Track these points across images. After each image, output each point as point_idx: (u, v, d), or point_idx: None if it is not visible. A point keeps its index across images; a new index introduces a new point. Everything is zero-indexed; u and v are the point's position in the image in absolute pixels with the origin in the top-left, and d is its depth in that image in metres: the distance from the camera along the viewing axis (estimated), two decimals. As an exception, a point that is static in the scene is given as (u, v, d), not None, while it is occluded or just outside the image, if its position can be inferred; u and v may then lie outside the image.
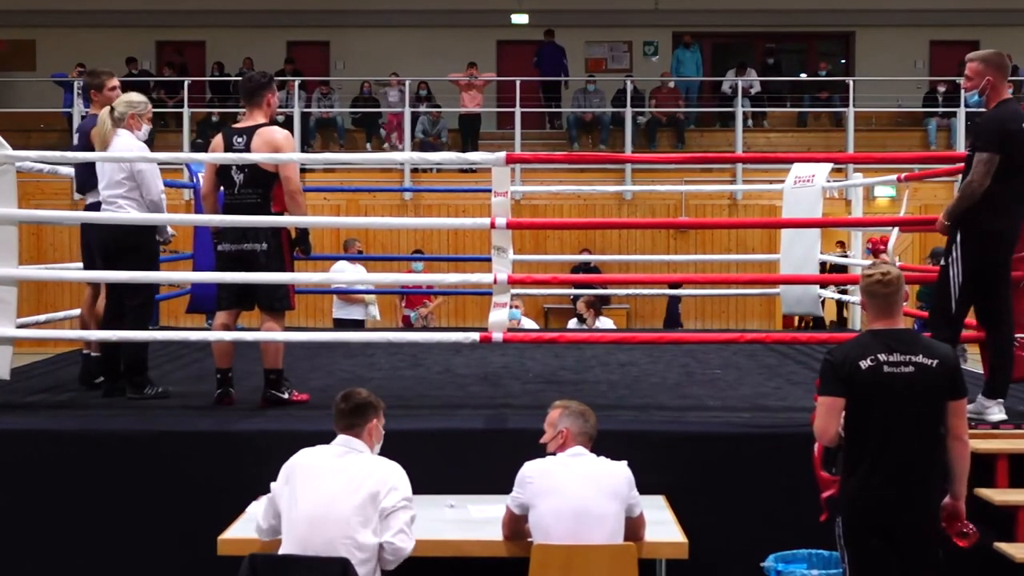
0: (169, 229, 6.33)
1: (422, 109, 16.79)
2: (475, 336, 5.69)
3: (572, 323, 10.87)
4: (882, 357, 3.79)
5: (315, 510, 3.88)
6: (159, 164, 5.94)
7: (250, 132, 5.60)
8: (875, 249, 7.71)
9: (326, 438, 4.12)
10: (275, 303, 5.66)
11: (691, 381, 6.66)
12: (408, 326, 11.83)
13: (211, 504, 4.80)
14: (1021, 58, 17.61)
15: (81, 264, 6.33)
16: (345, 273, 10.02)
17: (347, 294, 10.48)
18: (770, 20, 19.28)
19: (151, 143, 6.00)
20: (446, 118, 16.93)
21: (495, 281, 5.67)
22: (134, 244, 5.78)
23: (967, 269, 5.08)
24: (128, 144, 5.79)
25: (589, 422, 4.34)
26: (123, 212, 5.77)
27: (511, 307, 6.62)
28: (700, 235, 15.00)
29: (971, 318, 5.46)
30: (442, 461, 4.99)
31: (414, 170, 15.30)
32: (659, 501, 4.70)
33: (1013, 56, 17.31)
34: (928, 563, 3.82)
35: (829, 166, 8.51)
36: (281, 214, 5.68)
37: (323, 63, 19.17)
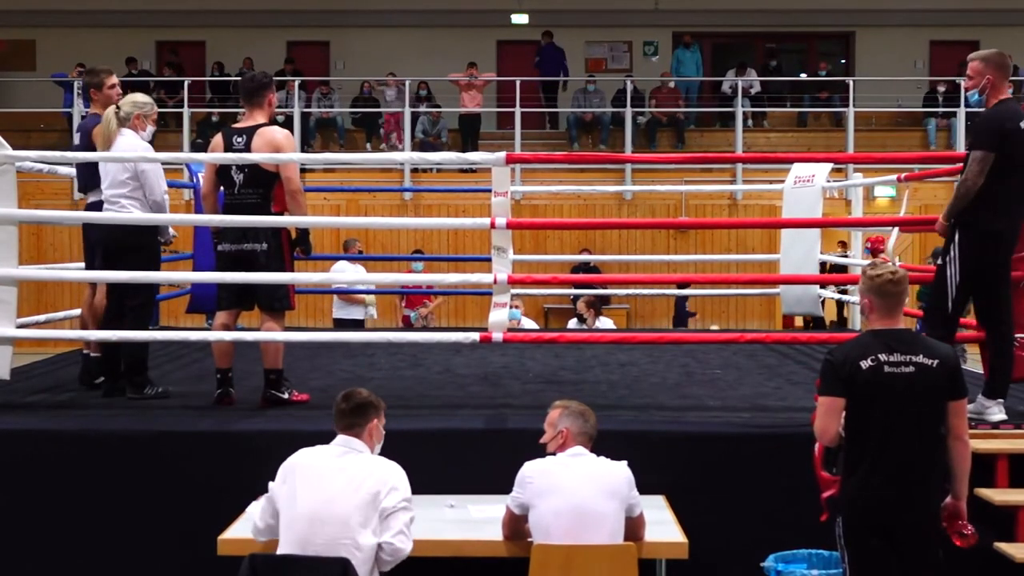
0: (171, 230, 6.33)
1: (422, 109, 16.79)
2: (475, 336, 5.69)
3: (572, 323, 10.88)
4: (883, 357, 3.79)
5: (315, 510, 3.87)
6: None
7: (250, 132, 5.60)
8: (874, 249, 7.71)
9: (326, 438, 4.12)
10: (275, 303, 5.66)
11: (691, 381, 6.66)
12: (408, 326, 11.82)
13: (211, 504, 4.80)
14: (1021, 58, 17.60)
15: (82, 264, 6.33)
16: (345, 273, 10.02)
17: (347, 294, 10.48)
18: (770, 20, 19.29)
19: (152, 143, 6.01)
20: (446, 118, 16.93)
21: (495, 281, 5.68)
22: (136, 244, 5.79)
23: (964, 268, 5.08)
24: (132, 144, 5.80)
25: (589, 422, 4.34)
26: (125, 212, 5.77)
27: (511, 307, 6.63)
28: (700, 235, 15.00)
29: (971, 318, 5.46)
30: (442, 461, 4.99)
31: (414, 170, 15.30)
32: (659, 501, 4.70)
33: (1013, 56, 17.41)
34: (928, 563, 3.82)
35: (829, 166, 8.51)
36: (281, 214, 5.68)
37: (323, 63, 19.17)
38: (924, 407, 3.80)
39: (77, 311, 6.63)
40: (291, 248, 5.76)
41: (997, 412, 5.23)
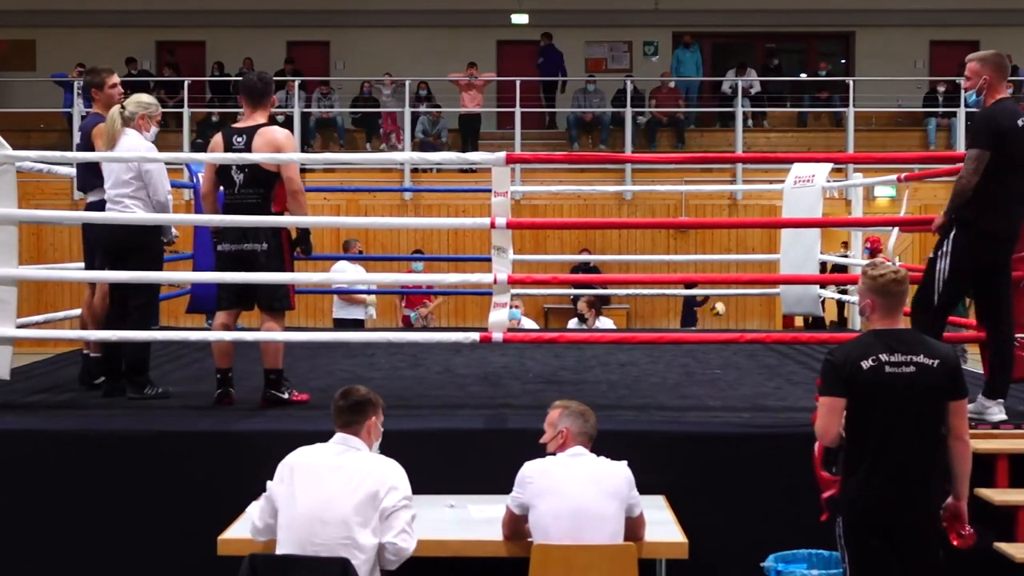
0: (173, 229, 6.34)
1: (422, 109, 16.79)
2: (475, 336, 5.69)
3: (572, 323, 10.88)
4: (883, 357, 3.79)
5: (314, 510, 3.86)
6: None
7: (251, 132, 5.59)
8: (874, 249, 7.73)
9: (326, 438, 4.11)
10: (275, 303, 5.66)
11: (691, 381, 6.66)
12: (408, 326, 11.82)
13: (211, 504, 4.80)
14: (1021, 58, 17.62)
15: (82, 264, 6.33)
16: (346, 273, 10.02)
17: (348, 294, 10.48)
18: (770, 20, 19.29)
19: (154, 144, 6.01)
20: (446, 118, 16.93)
21: (495, 281, 5.67)
22: (138, 244, 5.79)
23: (955, 265, 5.07)
24: (136, 144, 5.80)
25: (589, 422, 4.34)
26: (129, 212, 5.77)
27: (511, 307, 6.63)
28: (700, 235, 15.00)
29: (970, 319, 5.46)
30: (442, 461, 4.99)
31: (414, 170, 15.30)
32: (659, 501, 4.70)
33: (1013, 56, 17.40)
34: (928, 563, 3.82)
35: (829, 166, 8.51)
36: (281, 214, 5.68)
37: (323, 63, 19.17)
38: (924, 407, 3.80)
39: (77, 311, 6.63)
40: (291, 248, 5.76)
41: (997, 412, 5.23)
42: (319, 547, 3.82)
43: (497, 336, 5.62)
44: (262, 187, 5.57)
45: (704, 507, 4.87)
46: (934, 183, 13.48)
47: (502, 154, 5.74)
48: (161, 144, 6.07)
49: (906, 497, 3.78)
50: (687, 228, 14.70)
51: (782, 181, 8.90)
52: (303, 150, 14.98)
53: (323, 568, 3.77)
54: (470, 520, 4.53)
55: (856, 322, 8.90)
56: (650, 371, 7.03)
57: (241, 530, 4.33)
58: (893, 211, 14.60)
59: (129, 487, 5.06)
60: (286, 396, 5.69)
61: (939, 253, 5.14)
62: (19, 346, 5.88)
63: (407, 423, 5.14)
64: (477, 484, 4.81)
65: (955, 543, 3.96)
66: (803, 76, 18.30)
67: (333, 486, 3.89)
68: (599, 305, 10.46)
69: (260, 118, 5.66)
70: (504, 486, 4.27)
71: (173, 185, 6.16)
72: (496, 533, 4.30)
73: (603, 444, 4.37)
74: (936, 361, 3.81)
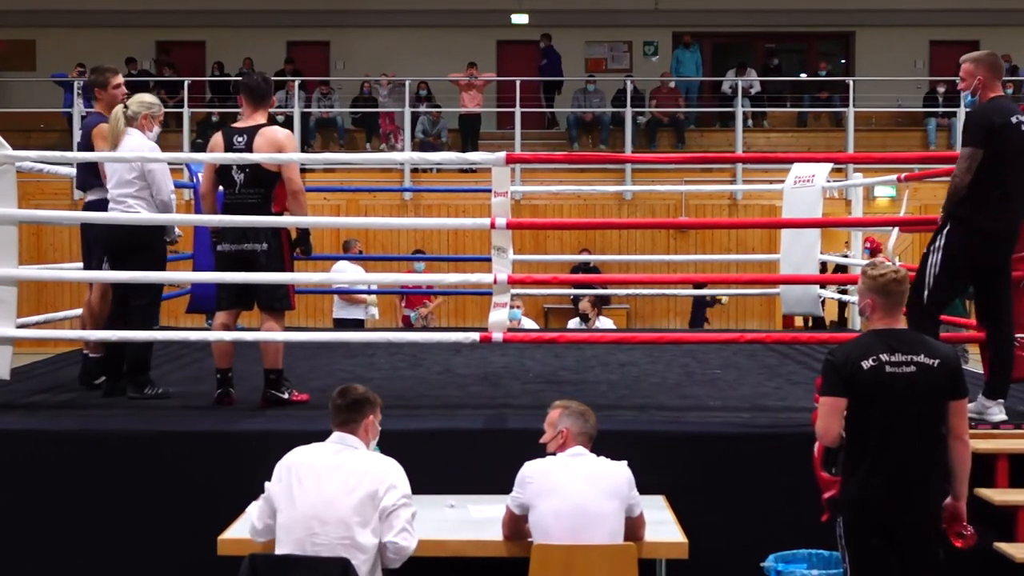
0: (177, 229, 6.34)
1: (422, 109, 16.79)
2: (475, 336, 5.69)
3: (572, 323, 10.88)
4: (884, 357, 3.79)
5: (313, 510, 3.86)
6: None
7: (251, 132, 5.59)
8: (874, 249, 7.73)
9: (326, 438, 4.10)
10: (275, 303, 5.66)
11: (691, 381, 6.66)
12: (408, 326, 11.82)
13: (211, 504, 4.80)
14: (1021, 58, 17.62)
15: (82, 264, 6.33)
16: (346, 273, 10.02)
17: (348, 294, 10.48)
18: (770, 20, 19.29)
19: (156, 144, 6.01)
20: (446, 118, 16.93)
21: (495, 281, 5.67)
22: (142, 244, 5.79)
23: (947, 262, 5.07)
24: (138, 144, 5.79)
25: (589, 422, 4.34)
26: (132, 212, 5.77)
27: (512, 307, 6.63)
28: (700, 235, 14.99)
29: (971, 319, 5.45)
30: (442, 461, 4.99)
31: (414, 170, 15.30)
32: (659, 501, 4.70)
33: (1013, 56, 17.44)
34: (928, 563, 3.82)
35: (829, 166, 8.51)
36: (281, 214, 5.68)
37: (323, 63, 19.17)
38: (925, 407, 3.80)
39: (77, 311, 6.63)
40: (291, 248, 5.76)
41: (997, 412, 5.23)
42: (319, 547, 3.82)
43: (497, 336, 5.62)
44: (263, 187, 5.57)
45: (704, 507, 4.87)
46: (934, 183, 13.44)
47: (502, 154, 5.74)
48: (161, 144, 6.07)
49: (906, 497, 3.78)
50: (687, 228, 14.69)
51: (782, 181, 8.90)
52: (303, 150, 14.98)
53: (323, 568, 3.77)
54: (470, 520, 4.53)
55: (856, 322, 8.90)
56: (650, 371, 7.03)
57: (241, 530, 4.33)
58: (893, 211, 14.60)
59: (129, 487, 5.06)
60: (286, 396, 5.69)
61: (931, 248, 5.15)
62: (19, 346, 5.88)
63: (407, 423, 5.14)
64: (477, 484, 4.81)
65: (955, 543, 3.96)
66: (803, 76, 18.29)
67: (332, 486, 3.89)
68: (599, 304, 10.45)
69: (260, 118, 5.66)
70: (504, 486, 4.27)
71: (174, 185, 6.16)
72: (496, 533, 4.30)
73: (603, 444, 4.37)
74: (936, 361, 3.82)
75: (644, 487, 4.29)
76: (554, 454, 4.30)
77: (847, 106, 16.19)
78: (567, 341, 7.42)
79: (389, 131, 16.74)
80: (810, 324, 13.40)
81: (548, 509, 4.10)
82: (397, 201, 15.22)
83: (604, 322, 10.38)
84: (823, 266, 10.12)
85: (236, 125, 5.72)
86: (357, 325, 10.49)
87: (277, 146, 5.55)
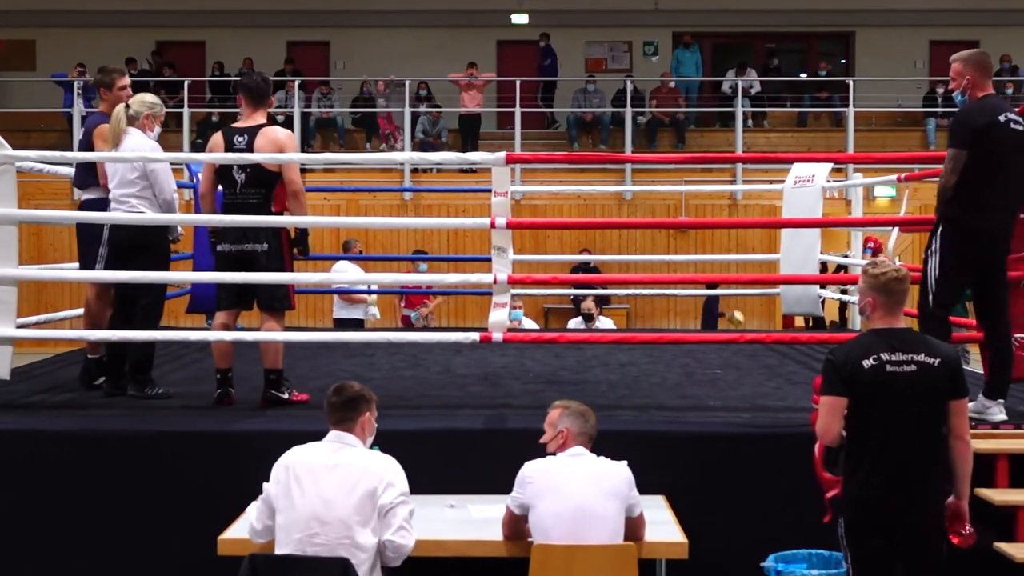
0: (179, 228, 6.34)
1: (422, 109, 16.79)
2: (475, 336, 5.68)
3: (572, 323, 10.87)
4: (884, 356, 3.79)
5: (312, 511, 3.86)
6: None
7: (252, 132, 5.59)
8: (876, 248, 7.73)
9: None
10: (275, 303, 5.66)
11: (691, 381, 6.65)
12: (408, 326, 11.82)
13: (211, 504, 4.80)
14: (1021, 58, 17.63)
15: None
16: (346, 273, 10.02)
17: (348, 294, 10.48)
18: (770, 20, 19.29)
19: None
20: (446, 118, 16.93)
21: (495, 281, 5.67)
22: (146, 243, 5.79)
23: (943, 261, 5.07)
24: (140, 143, 5.79)
25: (589, 422, 4.34)
26: (135, 212, 5.77)
27: (512, 307, 6.63)
28: (700, 235, 14.99)
29: (971, 319, 5.45)
30: (442, 461, 4.98)
31: (414, 170, 15.29)
32: (659, 501, 4.69)
33: (1013, 56, 17.45)
34: (929, 563, 3.82)
35: (829, 166, 8.51)
36: (281, 214, 5.68)
37: (323, 63, 19.17)
38: (925, 406, 3.80)
39: (77, 311, 6.63)
40: (291, 248, 5.76)
41: (997, 412, 5.22)
42: (319, 547, 3.82)
43: (497, 336, 5.61)
44: (263, 187, 5.57)
45: (704, 507, 4.87)
46: (934, 183, 13.43)
47: (502, 154, 5.74)
48: (162, 144, 6.07)
49: (906, 497, 3.78)
50: (687, 228, 14.69)
51: (782, 181, 8.90)
52: (303, 150, 14.97)
53: (323, 568, 3.77)
54: (470, 520, 4.53)
55: (856, 322, 8.90)
56: (650, 371, 7.03)
57: (241, 530, 4.33)
58: (893, 211, 14.60)
59: (129, 487, 5.06)
60: (286, 396, 5.69)
61: (929, 251, 5.15)
62: (19, 346, 5.88)
63: (407, 423, 5.14)
64: (477, 484, 4.81)
65: (955, 543, 3.96)
66: (803, 76, 18.28)
67: (330, 486, 3.89)
68: (599, 304, 10.45)
69: (260, 118, 5.66)
70: (504, 486, 4.27)
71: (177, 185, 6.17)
72: (496, 533, 4.30)
73: (603, 444, 4.37)
74: (937, 360, 3.81)
75: (644, 487, 4.29)
76: (554, 454, 4.30)
77: (847, 106, 16.19)
78: (567, 341, 7.42)
79: (389, 131, 16.74)
80: (810, 324, 13.40)
81: (548, 509, 4.10)
82: (397, 201, 15.22)
83: (604, 322, 10.39)
84: (823, 266, 10.12)
85: (236, 125, 5.71)
86: (357, 325, 10.49)
87: (278, 146, 5.55)
